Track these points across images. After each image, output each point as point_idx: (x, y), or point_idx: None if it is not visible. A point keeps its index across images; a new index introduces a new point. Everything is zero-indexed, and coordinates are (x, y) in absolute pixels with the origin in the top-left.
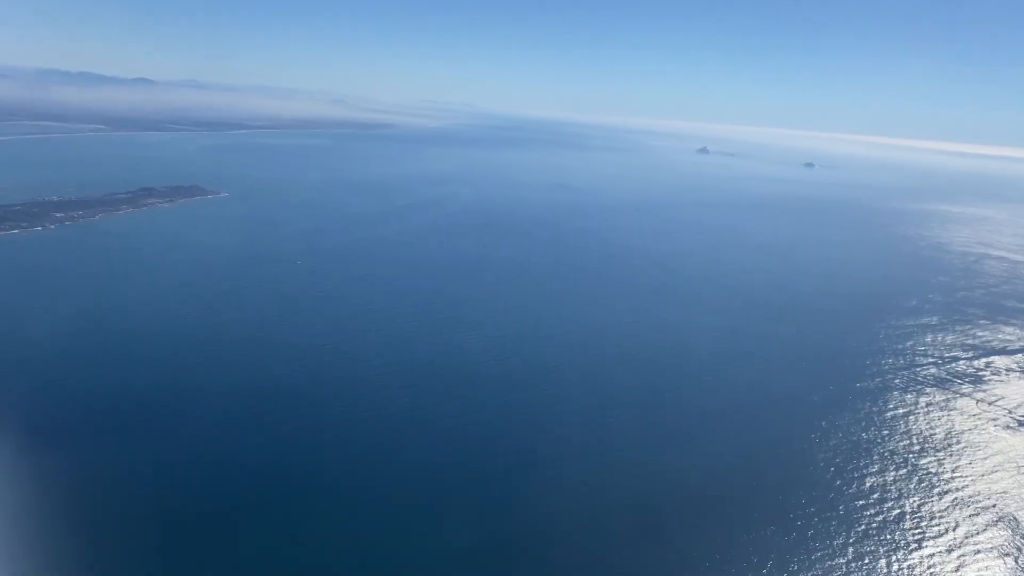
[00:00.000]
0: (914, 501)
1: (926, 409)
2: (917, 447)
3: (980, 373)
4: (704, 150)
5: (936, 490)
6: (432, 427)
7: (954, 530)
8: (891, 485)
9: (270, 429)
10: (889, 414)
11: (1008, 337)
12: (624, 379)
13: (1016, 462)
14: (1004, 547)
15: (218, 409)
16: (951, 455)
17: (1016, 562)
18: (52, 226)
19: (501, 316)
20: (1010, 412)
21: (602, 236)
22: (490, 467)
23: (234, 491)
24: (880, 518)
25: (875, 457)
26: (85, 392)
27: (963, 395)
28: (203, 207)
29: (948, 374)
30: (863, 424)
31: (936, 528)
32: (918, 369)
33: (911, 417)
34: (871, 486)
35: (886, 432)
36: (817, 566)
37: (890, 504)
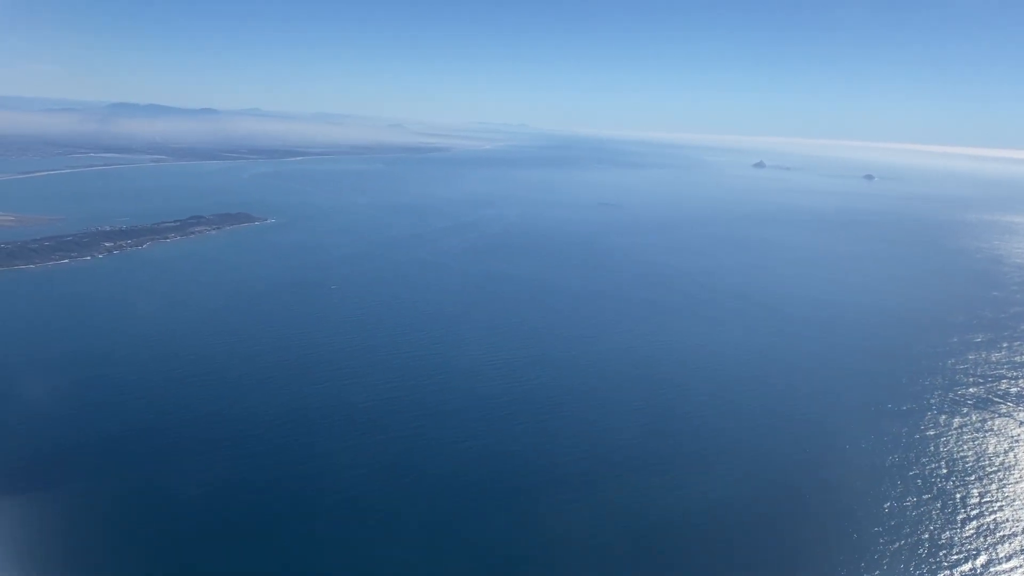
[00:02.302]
0: (934, 528)
1: (959, 430)
2: (944, 470)
3: None
4: (760, 164)
5: (960, 516)
6: (444, 449)
7: (974, 558)
8: (910, 511)
9: (283, 450)
10: (918, 436)
11: None
12: (644, 401)
13: None
14: None
15: (237, 432)
16: (981, 479)
17: None
18: (100, 255)
19: (526, 337)
20: None
21: (641, 254)
22: (498, 489)
23: (248, 511)
24: (895, 546)
25: (897, 481)
26: (112, 415)
27: (1003, 415)
28: (248, 234)
29: (989, 393)
30: (889, 447)
31: (955, 556)
32: (957, 389)
33: (942, 439)
34: (888, 510)
35: (912, 455)
36: None
37: (907, 530)
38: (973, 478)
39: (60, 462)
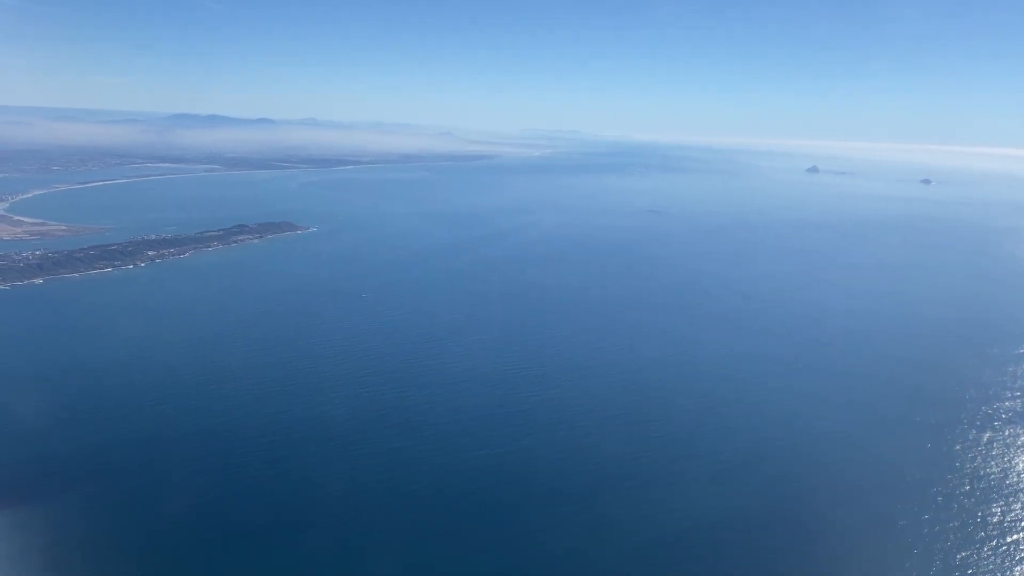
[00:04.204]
0: (950, 546)
1: (987, 446)
2: (967, 487)
3: None
4: (814, 169)
5: (979, 535)
6: (461, 460)
7: None
8: (926, 529)
9: (291, 460)
10: (944, 450)
11: None
12: (665, 414)
13: None
14: None
15: (240, 444)
16: (1006, 497)
17: None
18: (143, 264)
19: (554, 348)
20: None
21: (681, 262)
22: (512, 501)
23: (243, 522)
24: (906, 565)
25: (917, 498)
26: (108, 427)
27: None
28: (290, 242)
29: None
30: (912, 461)
31: None
32: (995, 403)
33: (968, 454)
34: (903, 528)
35: (935, 470)
36: None
37: (918, 550)
38: (996, 496)
39: (65, 472)
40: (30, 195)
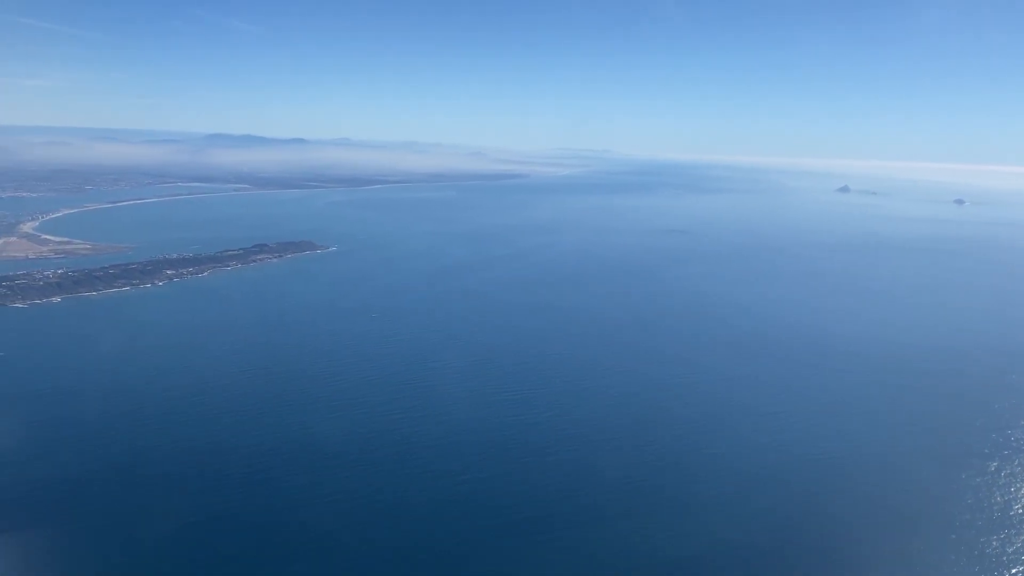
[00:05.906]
0: None
1: (995, 476)
2: (967, 517)
3: None
4: (845, 189)
5: (975, 569)
6: (457, 482)
7: None
8: (920, 560)
9: (279, 482)
10: (954, 481)
11: None
12: (661, 440)
13: None
14: None
15: (233, 464)
16: (1008, 531)
17: None
18: (160, 283)
19: (556, 370)
20: None
21: (695, 283)
22: (509, 525)
23: (238, 544)
24: None
25: (915, 528)
26: (127, 448)
27: None
28: (308, 262)
29: None
30: (914, 492)
31: None
32: (1006, 431)
33: (975, 485)
34: (898, 559)
35: (940, 503)
36: None
37: None
38: (998, 528)
39: (59, 495)
40: (60, 214)
